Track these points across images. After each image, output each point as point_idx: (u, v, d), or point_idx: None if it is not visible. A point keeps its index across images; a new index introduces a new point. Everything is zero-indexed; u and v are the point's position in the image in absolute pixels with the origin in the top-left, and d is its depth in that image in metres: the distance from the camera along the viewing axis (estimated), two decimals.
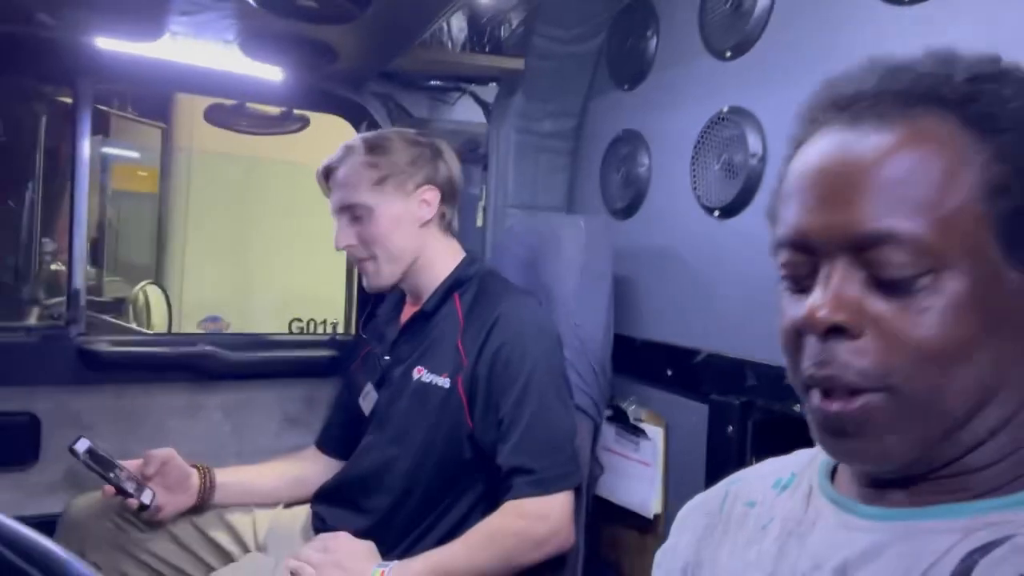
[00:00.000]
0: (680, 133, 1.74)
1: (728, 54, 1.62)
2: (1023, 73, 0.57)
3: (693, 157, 1.70)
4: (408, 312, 1.65)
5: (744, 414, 1.52)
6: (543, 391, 1.44)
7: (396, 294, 1.70)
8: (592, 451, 1.68)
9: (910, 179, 0.53)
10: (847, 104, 0.58)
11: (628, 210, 1.94)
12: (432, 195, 1.56)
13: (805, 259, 0.57)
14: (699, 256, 1.70)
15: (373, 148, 1.54)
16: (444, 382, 1.49)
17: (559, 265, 1.67)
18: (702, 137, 1.67)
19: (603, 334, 1.68)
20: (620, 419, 1.86)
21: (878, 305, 0.54)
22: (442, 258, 1.60)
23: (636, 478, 1.83)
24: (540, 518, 1.40)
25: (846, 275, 0.55)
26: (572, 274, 1.64)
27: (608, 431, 1.91)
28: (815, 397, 0.57)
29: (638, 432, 1.82)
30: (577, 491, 1.48)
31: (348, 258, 1.75)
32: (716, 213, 1.63)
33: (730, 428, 1.55)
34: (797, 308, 0.57)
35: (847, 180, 0.55)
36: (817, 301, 0.55)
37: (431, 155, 1.58)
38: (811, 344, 0.56)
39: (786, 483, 0.70)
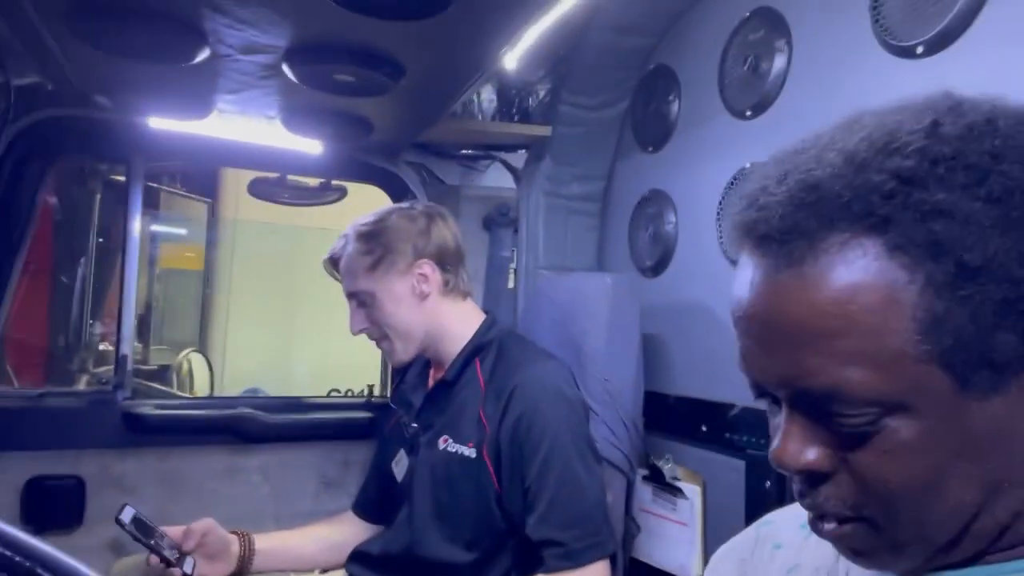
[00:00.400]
0: (705, 191, 1.77)
1: (748, 113, 1.66)
2: (979, 136, 0.49)
3: (718, 213, 1.73)
4: (433, 379, 1.67)
5: None
6: (566, 458, 1.43)
7: (422, 360, 1.72)
8: (627, 509, 1.66)
9: (840, 329, 0.49)
10: (758, 243, 0.53)
11: (657, 268, 1.97)
12: (428, 268, 1.57)
13: (765, 393, 0.56)
14: (728, 310, 1.70)
15: (364, 235, 1.58)
16: (470, 452, 1.50)
17: (587, 322, 1.69)
18: (726, 194, 1.70)
19: (633, 388, 1.68)
20: (656, 478, 1.84)
21: (841, 447, 0.52)
22: (458, 325, 1.61)
23: (674, 540, 1.79)
24: None
25: (805, 421, 0.53)
26: (600, 330, 1.66)
27: (644, 491, 1.89)
28: (808, 513, 0.56)
29: (675, 491, 1.80)
30: (612, 554, 1.46)
31: None
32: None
33: (768, 483, 1.53)
34: (772, 425, 0.57)
35: (776, 331, 0.52)
36: (783, 444, 0.53)
37: (423, 227, 1.59)
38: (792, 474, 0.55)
39: None
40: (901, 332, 0.48)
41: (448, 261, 1.60)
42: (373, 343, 1.66)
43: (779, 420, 0.55)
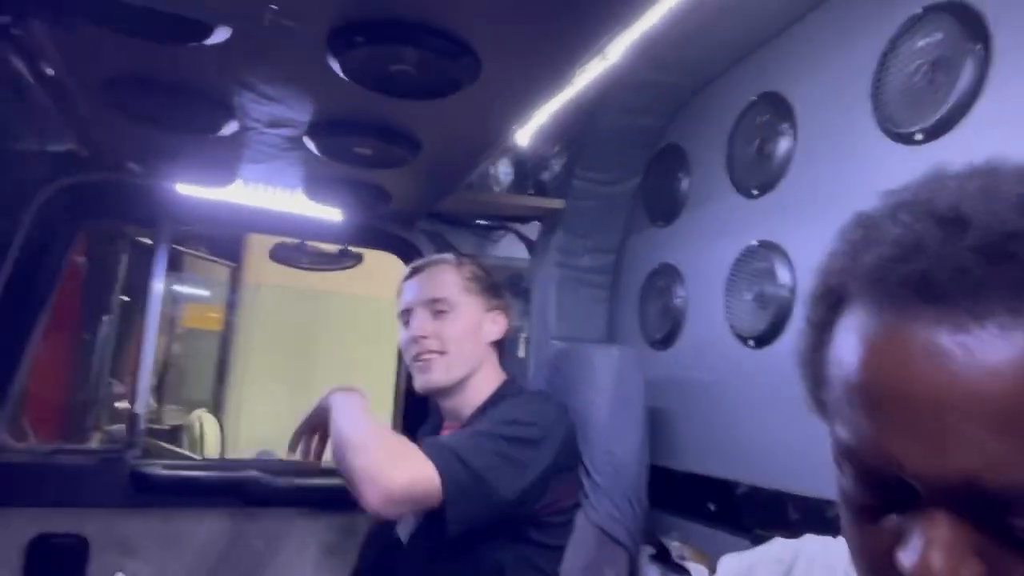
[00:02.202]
0: (713, 266, 1.80)
1: (755, 192, 1.70)
2: None
3: (727, 289, 1.74)
4: (446, 430, 1.68)
5: None
6: (493, 434, 1.46)
7: (434, 420, 1.74)
8: None
9: None
10: (935, 292, 0.41)
11: (666, 341, 1.97)
12: (503, 320, 1.71)
13: (895, 490, 0.43)
14: (737, 385, 1.70)
15: (463, 262, 1.74)
16: None
17: (593, 392, 1.69)
18: (734, 270, 1.72)
19: (637, 462, 1.67)
20: (663, 557, 1.80)
21: (1003, 560, 0.40)
22: (488, 379, 1.68)
23: None
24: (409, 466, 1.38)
25: (960, 524, 0.41)
26: (605, 401, 1.66)
27: (652, 572, 1.84)
28: None
29: (682, 571, 1.76)
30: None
31: (405, 358, 1.75)
32: (751, 343, 1.65)
33: None
34: (879, 541, 0.44)
35: (960, 407, 0.40)
36: (930, 555, 0.40)
37: (502, 292, 1.76)
38: None
39: None
40: None
41: (508, 329, 1.76)
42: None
43: (900, 523, 0.43)
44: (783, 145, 1.62)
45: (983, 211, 0.42)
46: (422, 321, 1.66)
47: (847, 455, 0.45)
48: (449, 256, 1.77)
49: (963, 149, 1.23)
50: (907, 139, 1.31)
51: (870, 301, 0.44)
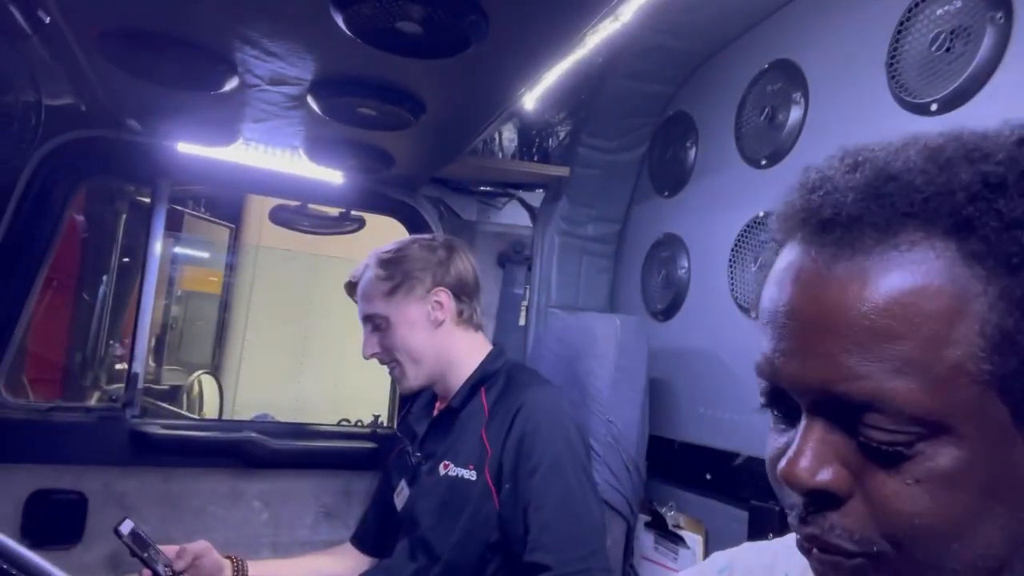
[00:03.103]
0: (718, 237, 1.78)
1: (763, 162, 1.67)
2: None
3: (731, 260, 1.73)
4: (438, 409, 1.68)
5: (784, 521, 1.47)
6: (564, 483, 1.43)
7: (429, 392, 1.73)
8: (625, 553, 1.64)
9: (897, 331, 0.44)
10: (821, 227, 0.48)
11: (668, 311, 1.96)
12: (444, 296, 1.62)
13: (783, 398, 0.50)
14: (738, 357, 1.70)
15: (385, 261, 1.63)
16: (471, 474, 1.50)
17: (594, 362, 1.69)
18: (739, 241, 1.71)
19: (637, 432, 1.67)
20: (658, 524, 1.81)
21: (865, 468, 0.47)
22: (466, 354, 1.64)
23: None
24: None
25: (828, 431, 0.47)
26: (606, 371, 1.66)
27: (647, 538, 1.86)
28: (803, 544, 0.50)
29: (677, 539, 1.77)
30: None
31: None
32: (753, 314, 1.64)
33: (771, 535, 1.49)
34: (780, 444, 0.51)
35: (823, 326, 0.46)
36: (797, 457, 0.47)
37: (443, 258, 1.64)
38: (793, 493, 0.49)
39: None
40: (964, 345, 0.44)
41: (464, 292, 1.64)
42: (386, 372, 1.68)
43: (792, 435, 0.49)
44: (794, 114, 1.60)
45: (889, 158, 0.48)
46: (368, 339, 1.64)
47: (758, 373, 0.52)
48: (372, 258, 1.66)
49: (980, 121, 1.20)
50: (922, 110, 1.28)
51: (788, 236, 0.52)
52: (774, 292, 0.50)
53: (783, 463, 0.48)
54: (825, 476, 0.47)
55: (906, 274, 0.45)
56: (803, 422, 0.48)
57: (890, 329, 0.44)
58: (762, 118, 1.69)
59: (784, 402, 0.50)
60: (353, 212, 2.42)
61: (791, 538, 0.63)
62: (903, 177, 0.47)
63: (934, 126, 1.27)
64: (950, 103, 1.23)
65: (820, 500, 0.47)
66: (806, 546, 0.50)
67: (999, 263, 0.44)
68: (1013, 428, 0.45)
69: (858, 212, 0.47)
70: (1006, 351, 0.44)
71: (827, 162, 0.52)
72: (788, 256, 0.50)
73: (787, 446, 0.49)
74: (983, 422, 0.44)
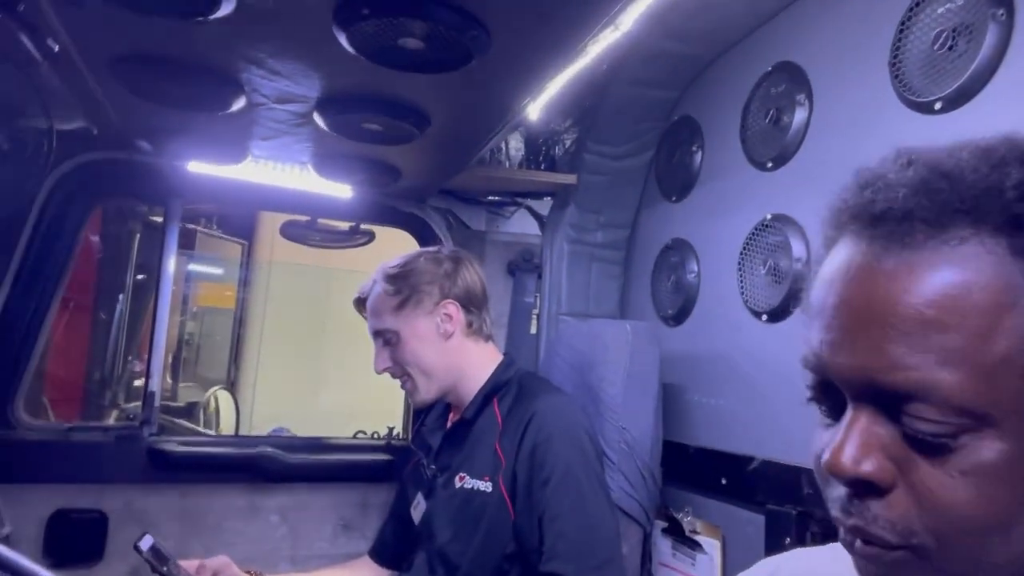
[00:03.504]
0: (727, 241, 1.78)
1: (769, 165, 1.67)
2: None
3: (740, 263, 1.73)
4: (452, 421, 1.69)
5: (801, 525, 1.47)
6: (577, 492, 1.43)
7: (442, 404, 1.74)
8: (643, 560, 1.63)
9: (945, 323, 0.45)
10: (873, 222, 0.49)
11: (679, 316, 1.96)
12: (453, 308, 1.62)
13: (831, 391, 0.51)
14: (750, 360, 1.69)
15: (392, 276, 1.64)
16: (486, 485, 1.51)
17: (606, 369, 1.69)
18: (748, 244, 1.70)
19: (650, 438, 1.67)
20: (675, 530, 1.81)
21: (910, 459, 0.47)
22: (477, 365, 1.64)
23: None
24: None
25: (873, 422, 0.48)
26: (619, 377, 1.66)
27: (664, 545, 1.85)
28: (846, 536, 0.51)
29: (694, 545, 1.76)
30: None
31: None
32: (764, 317, 1.64)
33: (788, 540, 1.49)
34: (825, 438, 0.51)
35: (871, 317, 0.47)
36: (842, 447, 0.48)
37: (449, 270, 1.64)
38: (838, 486, 0.50)
39: None
40: (1010, 338, 0.45)
41: (473, 303, 1.65)
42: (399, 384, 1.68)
43: (839, 426, 0.50)
44: (799, 116, 1.59)
45: (942, 157, 0.49)
46: (379, 354, 1.65)
47: (805, 365, 0.52)
48: (380, 273, 1.67)
49: (984, 118, 1.20)
50: (926, 108, 1.28)
51: (840, 232, 0.52)
52: (824, 285, 0.51)
53: (827, 454, 0.49)
54: (869, 466, 0.47)
55: (955, 268, 0.46)
56: (848, 413, 0.49)
57: (938, 320, 0.45)
58: (767, 120, 1.69)
59: (831, 396, 0.51)
60: (363, 225, 2.44)
61: (838, 546, 0.66)
62: (955, 174, 0.48)
63: (939, 125, 1.27)
64: (954, 101, 1.23)
65: (864, 491, 0.48)
66: (848, 538, 0.50)
67: None
68: None
69: (909, 207, 0.48)
70: None
71: (880, 162, 0.53)
72: (839, 251, 0.52)
73: (828, 443, 0.50)
74: None
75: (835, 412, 0.51)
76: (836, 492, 0.50)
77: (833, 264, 0.51)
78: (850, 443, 0.48)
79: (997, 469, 0.45)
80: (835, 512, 0.50)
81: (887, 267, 0.47)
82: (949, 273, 0.46)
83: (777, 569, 0.73)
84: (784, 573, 0.72)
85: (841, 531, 0.51)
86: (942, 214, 0.47)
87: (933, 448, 0.46)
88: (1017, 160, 0.48)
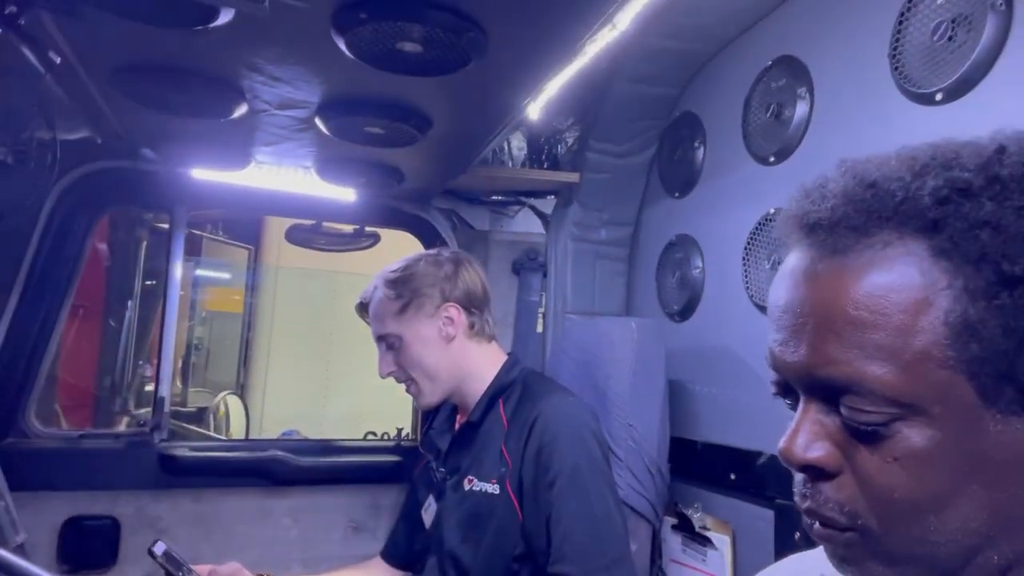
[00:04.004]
0: (731, 236, 1.78)
1: (771, 159, 1.67)
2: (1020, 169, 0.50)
3: (744, 258, 1.72)
4: (459, 423, 1.69)
5: None
6: (582, 492, 1.43)
7: (449, 405, 1.74)
8: (652, 557, 1.64)
9: (871, 322, 0.49)
10: (809, 232, 0.54)
11: (684, 312, 1.96)
12: (454, 311, 1.61)
13: (788, 386, 0.56)
14: (756, 355, 1.69)
15: (392, 281, 1.63)
16: (494, 488, 1.51)
17: (612, 366, 1.69)
18: (752, 238, 1.70)
19: (658, 435, 1.67)
20: (685, 527, 1.81)
21: (852, 446, 0.51)
22: (481, 367, 1.64)
23: None
24: None
25: (820, 413, 0.53)
26: (625, 375, 1.66)
27: (674, 541, 1.85)
28: (806, 519, 0.55)
29: (704, 541, 1.76)
30: None
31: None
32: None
33: (797, 534, 1.49)
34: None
35: (807, 318, 0.52)
36: (794, 436, 0.53)
37: (450, 272, 1.64)
38: (796, 472, 0.55)
39: None
40: (930, 333, 0.48)
41: (474, 305, 1.64)
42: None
43: (793, 418, 0.55)
44: (800, 110, 1.59)
45: (872, 167, 0.54)
46: (383, 358, 1.65)
47: (768, 364, 0.57)
48: (380, 278, 1.66)
49: (985, 108, 1.20)
50: (927, 99, 1.27)
51: (786, 240, 0.57)
52: (774, 290, 0.57)
53: (781, 442, 0.54)
54: (815, 453, 0.53)
55: (879, 271, 0.50)
56: (800, 406, 0.55)
57: (864, 320, 0.50)
58: (768, 115, 1.68)
59: (790, 391, 0.56)
60: (367, 228, 2.45)
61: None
62: (880, 184, 0.52)
63: (940, 116, 1.27)
64: (955, 92, 1.22)
65: (815, 475, 0.53)
66: (808, 521, 0.55)
67: (963, 258, 0.48)
68: (983, 409, 0.48)
69: (837, 217, 0.52)
70: (969, 338, 0.48)
71: (831, 170, 0.57)
72: (788, 257, 0.57)
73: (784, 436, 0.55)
74: (952, 404, 0.48)
75: (794, 406, 0.56)
76: (796, 478, 0.55)
77: (782, 269, 0.56)
78: (800, 433, 0.53)
79: (928, 454, 0.49)
80: (796, 497, 0.55)
81: (821, 271, 0.52)
82: (874, 276, 0.50)
83: (775, 571, 0.76)
84: (781, 575, 0.75)
85: (803, 516, 0.55)
86: (868, 221, 0.51)
87: (869, 436, 0.50)
88: (941, 166, 0.51)
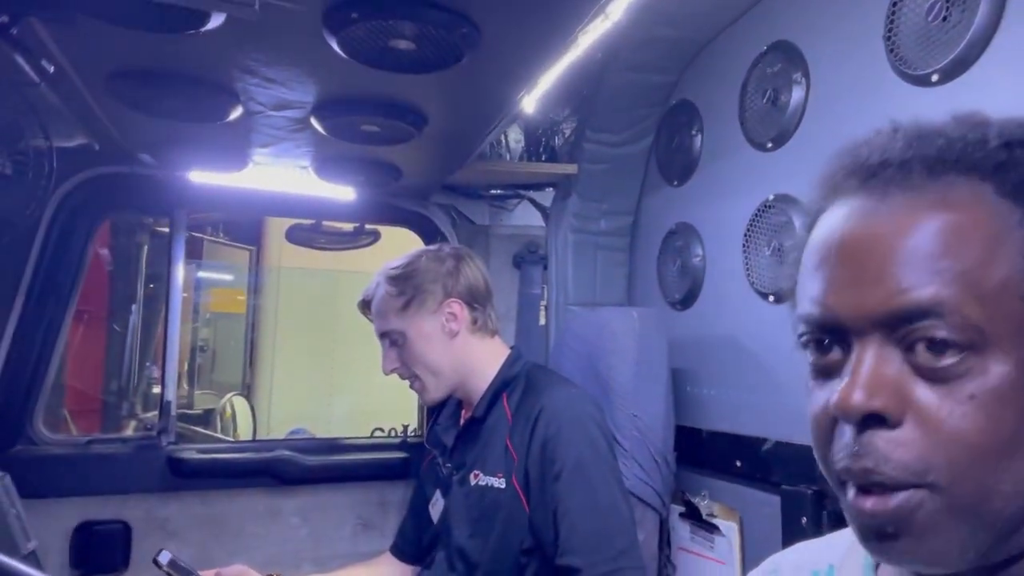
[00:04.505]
0: (731, 223, 1.77)
1: (769, 145, 1.67)
2: None
3: (744, 245, 1.72)
4: (464, 418, 1.69)
5: (817, 504, 1.47)
6: (588, 484, 1.44)
7: (454, 401, 1.75)
8: (660, 546, 1.64)
9: (948, 251, 0.48)
10: (872, 173, 0.53)
11: (686, 301, 1.96)
12: (457, 307, 1.62)
13: (834, 340, 0.52)
14: (758, 342, 1.69)
15: (394, 278, 1.63)
16: (500, 482, 1.51)
17: (615, 357, 1.69)
18: (752, 225, 1.70)
19: (662, 424, 1.67)
20: (693, 515, 1.81)
21: (918, 390, 0.48)
22: (485, 362, 1.64)
23: None
24: None
25: (882, 356, 0.49)
26: (628, 365, 1.66)
27: (682, 529, 1.86)
28: (850, 493, 0.50)
29: (712, 528, 1.77)
30: None
31: None
32: (770, 298, 1.63)
33: (804, 519, 1.49)
34: (827, 393, 0.51)
35: (878, 253, 0.50)
36: (852, 386, 0.49)
37: (451, 268, 1.64)
38: (845, 433, 0.50)
39: None
40: (1008, 264, 0.48)
41: (476, 300, 1.64)
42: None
43: (846, 369, 0.51)
44: (796, 95, 1.58)
45: (926, 123, 0.55)
46: (386, 355, 1.65)
47: (804, 321, 0.54)
48: (382, 274, 1.66)
49: (982, 88, 1.19)
50: (923, 81, 1.27)
51: (832, 196, 0.55)
52: (820, 244, 0.54)
53: (836, 397, 0.49)
54: (879, 401, 0.48)
55: (951, 208, 0.50)
56: (854, 355, 0.50)
57: (943, 250, 0.49)
58: (765, 101, 1.68)
59: (828, 346, 0.52)
60: (367, 226, 2.45)
61: (833, 536, 0.69)
62: (943, 132, 0.53)
63: (937, 96, 1.26)
64: (951, 72, 1.22)
65: (874, 424, 0.49)
66: (851, 495, 0.50)
67: None
68: None
69: (908, 156, 0.52)
70: None
71: (866, 135, 0.57)
72: (832, 213, 0.54)
73: (831, 392, 0.50)
74: None
75: (833, 365, 0.52)
76: (843, 440, 0.50)
77: (829, 223, 0.54)
78: (859, 381, 0.49)
79: (1003, 391, 0.47)
80: (844, 462, 0.50)
81: (890, 207, 0.51)
82: (946, 212, 0.50)
83: (778, 565, 0.75)
84: (785, 566, 0.74)
85: (849, 489, 0.51)
86: (937, 163, 0.51)
87: (939, 373, 0.48)
88: (988, 127, 0.53)
